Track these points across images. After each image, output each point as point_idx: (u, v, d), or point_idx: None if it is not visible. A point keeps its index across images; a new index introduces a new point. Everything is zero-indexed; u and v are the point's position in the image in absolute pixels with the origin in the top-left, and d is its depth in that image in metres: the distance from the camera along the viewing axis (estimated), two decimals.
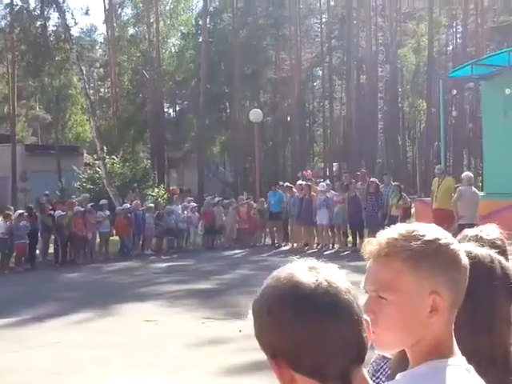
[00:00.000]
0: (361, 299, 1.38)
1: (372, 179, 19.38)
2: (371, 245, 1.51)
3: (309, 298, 1.26)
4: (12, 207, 20.02)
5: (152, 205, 20.75)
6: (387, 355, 1.80)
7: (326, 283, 1.27)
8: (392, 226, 1.53)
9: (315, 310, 1.25)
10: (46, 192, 21.14)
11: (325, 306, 1.25)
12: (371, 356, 1.75)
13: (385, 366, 1.94)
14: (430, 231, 1.49)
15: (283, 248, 20.16)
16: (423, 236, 1.47)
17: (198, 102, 44.88)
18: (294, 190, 20.25)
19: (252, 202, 21.69)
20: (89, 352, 8.44)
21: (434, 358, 1.46)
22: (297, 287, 1.27)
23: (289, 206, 20.06)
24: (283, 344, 1.26)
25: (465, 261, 1.50)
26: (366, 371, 1.33)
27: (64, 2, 28.13)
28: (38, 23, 40.11)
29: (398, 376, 1.51)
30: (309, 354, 1.25)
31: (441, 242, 1.47)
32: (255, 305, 1.32)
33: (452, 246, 1.49)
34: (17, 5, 39.95)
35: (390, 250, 1.47)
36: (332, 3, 55.48)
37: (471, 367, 1.49)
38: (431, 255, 1.45)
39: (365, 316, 1.33)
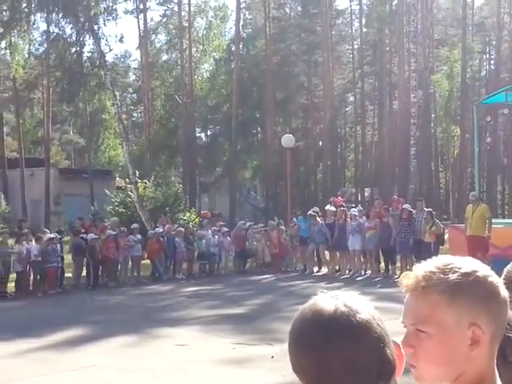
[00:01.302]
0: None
1: (405, 205, 19.24)
2: (408, 278, 1.50)
3: (328, 323, 1.30)
4: (48, 230, 20.20)
5: (182, 229, 20.78)
6: None
7: (343, 307, 1.32)
8: (428, 259, 1.52)
9: (335, 335, 1.29)
10: (80, 216, 21.29)
11: (344, 329, 1.29)
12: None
13: None
14: (468, 263, 1.48)
15: (315, 274, 20.05)
16: (460, 268, 1.45)
17: (229, 127, 45.16)
18: (318, 218, 20.15)
19: (283, 227, 21.61)
20: (121, 376, 8.43)
21: None
22: (317, 314, 1.33)
23: (314, 233, 19.97)
24: (313, 371, 1.29)
25: (504, 293, 1.47)
26: None
27: (99, 29, 28.47)
28: (74, 50, 40.71)
29: None
30: (337, 376, 1.28)
31: (478, 274, 1.45)
32: (289, 337, 1.38)
33: (490, 279, 1.46)
34: (53, 32, 40.60)
35: (426, 283, 1.45)
36: (364, 30, 55.62)
37: None
38: (469, 287, 1.43)
39: (393, 339, 1.35)
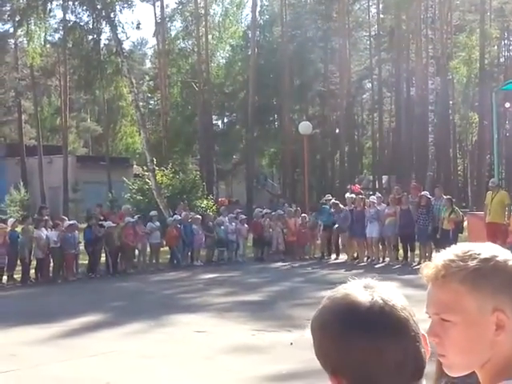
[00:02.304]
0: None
1: (423, 192, 19.17)
2: (428, 268, 1.48)
3: (365, 316, 1.26)
4: (66, 217, 20.33)
5: (199, 216, 20.83)
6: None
7: (381, 301, 1.28)
8: (447, 247, 1.51)
9: (371, 329, 1.25)
10: (99, 203, 21.36)
11: (381, 324, 1.26)
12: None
13: None
14: (487, 249, 1.46)
15: (332, 261, 20.06)
16: (479, 255, 1.44)
17: (246, 114, 45.09)
18: (341, 205, 20.14)
19: (305, 215, 21.59)
20: (140, 362, 8.48)
21: (506, 378, 1.41)
22: (353, 307, 1.28)
23: (338, 220, 19.93)
24: (341, 362, 1.27)
25: None
26: None
27: (116, 16, 28.51)
28: (90, 37, 40.80)
29: None
30: (367, 372, 1.25)
31: (498, 259, 1.44)
32: (313, 324, 1.34)
33: (510, 263, 1.44)
34: (70, 20, 40.69)
35: (446, 271, 1.44)
36: (381, 16, 55.25)
37: None
38: (489, 273, 1.41)
39: (421, 331, 1.32)
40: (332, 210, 20.28)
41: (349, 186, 22.46)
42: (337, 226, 19.99)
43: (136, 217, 19.44)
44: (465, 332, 1.41)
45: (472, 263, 1.42)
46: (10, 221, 18.01)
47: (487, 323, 1.40)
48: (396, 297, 1.32)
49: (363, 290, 1.31)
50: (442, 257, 1.48)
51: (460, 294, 1.41)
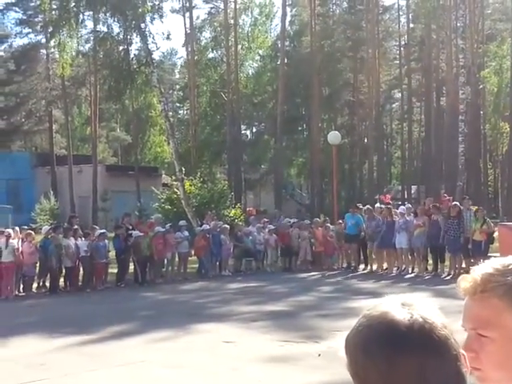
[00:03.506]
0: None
1: (454, 203, 19.00)
2: (466, 281, 1.44)
3: (404, 336, 1.22)
4: (97, 226, 20.47)
5: (227, 226, 20.84)
6: None
7: (421, 320, 1.23)
8: (487, 261, 1.46)
9: (412, 349, 1.21)
10: (127, 211, 21.46)
11: (421, 344, 1.21)
12: None
13: None
14: None
15: (360, 271, 19.94)
16: None
17: (275, 124, 45.16)
18: (374, 213, 20.03)
19: (329, 225, 21.50)
20: (168, 372, 8.48)
21: None
22: (392, 326, 1.23)
23: (369, 229, 19.81)
24: (380, 383, 1.22)
25: None
26: None
27: (146, 27, 28.66)
28: (121, 48, 41.12)
29: None
30: None
31: None
32: (349, 343, 1.29)
33: None
34: (101, 31, 41.08)
35: (485, 286, 1.40)
36: (411, 25, 55.03)
37: None
38: None
39: (461, 350, 1.27)
40: (365, 216, 20.10)
41: (377, 196, 22.28)
42: (364, 234, 19.87)
43: (168, 226, 19.54)
44: (503, 348, 1.38)
45: None
46: (45, 228, 18.13)
47: None
48: (435, 315, 1.27)
49: (401, 307, 1.27)
50: (480, 270, 1.43)
51: (499, 310, 1.38)
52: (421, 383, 1.20)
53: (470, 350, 1.37)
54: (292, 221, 22.54)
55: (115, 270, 18.11)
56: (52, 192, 42.16)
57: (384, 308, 1.28)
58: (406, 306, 1.27)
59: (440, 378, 1.21)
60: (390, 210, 19.62)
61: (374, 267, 19.79)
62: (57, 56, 38.63)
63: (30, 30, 53.07)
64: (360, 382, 1.27)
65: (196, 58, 49.24)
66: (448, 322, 1.28)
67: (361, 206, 21.19)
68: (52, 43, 38.95)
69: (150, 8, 27.86)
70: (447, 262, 18.39)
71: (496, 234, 18.56)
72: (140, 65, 35.53)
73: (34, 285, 16.79)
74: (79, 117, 61.26)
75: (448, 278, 17.36)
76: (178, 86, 65.81)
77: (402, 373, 1.20)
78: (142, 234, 18.21)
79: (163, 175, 47.48)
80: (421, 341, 1.21)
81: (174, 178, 27.53)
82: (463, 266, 17.25)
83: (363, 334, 1.26)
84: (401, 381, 1.21)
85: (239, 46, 47.84)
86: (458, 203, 19.01)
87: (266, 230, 21.00)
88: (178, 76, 70.22)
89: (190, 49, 48.85)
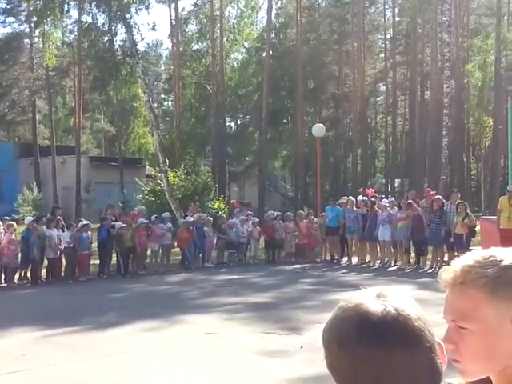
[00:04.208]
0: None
1: (437, 196, 19.09)
2: (447, 273, 1.44)
3: (377, 327, 1.21)
4: (81, 218, 20.39)
5: (210, 218, 20.83)
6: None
7: (394, 311, 1.23)
8: (468, 253, 1.46)
9: (385, 340, 1.20)
10: (111, 203, 21.35)
11: (394, 335, 1.21)
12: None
13: None
14: (508, 256, 1.41)
15: (343, 264, 20.00)
16: (500, 261, 1.40)
17: (259, 117, 45.11)
18: (355, 207, 20.05)
19: (313, 217, 21.55)
20: (151, 363, 8.47)
21: None
22: (365, 317, 1.23)
23: (348, 221, 19.88)
24: (355, 375, 1.22)
25: None
26: None
27: (131, 18, 28.47)
28: (106, 38, 40.89)
29: None
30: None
31: None
32: (324, 336, 1.29)
33: None
34: (86, 22, 40.81)
35: (465, 277, 1.40)
36: (397, 19, 55.11)
37: None
38: (509, 281, 1.37)
39: (438, 340, 1.27)
40: (347, 208, 20.13)
41: (361, 189, 22.32)
42: (340, 226, 19.96)
43: (153, 217, 19.53)
44: (482, 340, 1.38)
45: (492, 270, 1.38)
46: (27, 219, 18.01)
47: (505, 332, 1.37)
48: (410, 306, 1.26)
49: (375, 299, 1.26)
50: (461, 262, 1.44)
51: (478, 302, 1.38)
52: (393, 374, 1.20)
53: (449, 342, 1.38)
54: (276, 213, 22.54)
55: (97, 262, 18.07)
56: (35, 183, 41.92)
57: (358, 300, 1.27)
58: (381, 297, 1.27)
59: (412, 369, 1.21)
60: (374, 202, 19.67)
61: (356, 260, 19.86)
62: (41, 46, 38.44)
63: (14, 20, 52.73)
64: (334, 373, 1.27)
65: (181, 49, 49.03)
66: (423, 313, 1.28)
67: (344, 199, 21.24)
68: (36, 33, 38.67)
69: None
70: (430, 256, 18.49)
71: (478, 228, 18.69)
72: (125, 56, 35.33)
73: (16, 276, 16.70)
74: (63, 107, 60.87)
75: (430, 271, 17.47)
76: (162, 78, 65.55)
77: (375, 364, 1.20)
78: (124, 225, 18.17)
79: (147, 167, 47.33)
80: (394, 332, 1.21)
81: (157, 169, 27.41)
82: (445, 259, 17.35)
83: (337, 325, 1.26)
84: (373, 372, 1.20)
85: (225, 38, 47.67)
86: (440, 197, 19.11)
87: (250, 222, 21.01)
88: (163, 67, 69.95)
89: (175, 40, 48.60)
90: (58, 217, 17.87)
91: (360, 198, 21.26)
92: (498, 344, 1.37)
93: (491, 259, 1.40)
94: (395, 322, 1.22)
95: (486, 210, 40.77)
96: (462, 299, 1.40)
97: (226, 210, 27.04)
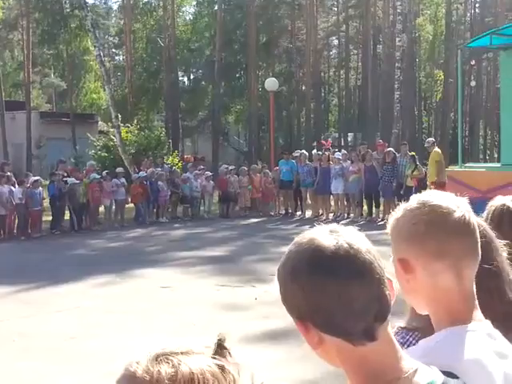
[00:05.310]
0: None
1: (389, 149, 19.29)
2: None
3: (330, 260, 1.26)
4: (31, 173, 20.10)
5: (163, 172, 20.71)
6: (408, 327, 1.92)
7: (346, 245, 1.27)
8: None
9: (336, 272, 1.25)
10: (62, 158, 21.05)
11: (346, 267, 1.26)
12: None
13: (411, 339, 1.91)
14: (421, 199, 1.54)
15: (297, 217, 20.19)
16: (405, 209, 1.56)
17: (212, 71, 44.69)
18: (307, 161, 20.18)
19: (267, 171, 21.61)
20: (105, 317, 8.52)
21: (450, 325, 1.47)
22: (318, 251, 1.27)
23: (302, 175, 20.00)
24: (308, 307, 1.28)
25: (452, 222, 1.50)
26: (390, 327, 1.33)
27: None
28: None
29: (420, 342, 1.55)
30: (333, 315, 1.26)
31: (408, 209, 1.54)
32: (279, 270, 1.34)
33: (423, 211, 1.51)
34: None
35: (391, 224, 1.58)
36: None
37: (496, 332, 1.47)
38: (397, 225, 1.54)
39: (388, 275, 1.33)
40: (298, 163, 20.23)
41: (315, 143, 22.45)
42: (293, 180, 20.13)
43: (104, 173, 19.35)
44: (399, 277, 1.51)
45: (397, 216, 1.54)
46: None
47: (399, 271, 1.51)
48: (361, 240, 1.31)
49: (328, 234, 1.30)
50: (396, 210, 1.59)
51: (392, 243, 1.56)
52: (344, 305, 1.25)
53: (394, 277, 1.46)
54: (230, 167, 22.53)
55: (50, 218, 17.91)
56: None
57: (311, 235, 1.32)
58: (334, 232, 1.31)
59: (363, 300, 1.26)
60: (329, 155, 19.79)
61: (310, 213, 20.05)
62: None
63: None
64: (288, 306, 1.32)
65: (132, 2, 48.09)
66: (374, 247, 1.33)
67: (297, 153, 21.32)
68: None
69: None
70: (382, 208, 18.77)
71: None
72: (73, 8, 34.52)
73: None
74: (11, 61, 59.34)
75: (382, 223, 17.73)
76: (113, 31, 64.27)
77: (326, 295, 1.25)
78: (77, 181, 18.01)
79: (99, 122, 46.64)
80: (345, 264, 1.26)
81: (110, 124, 27.09)
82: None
83: (291, 259, 1.31)
84: (324, 303, 1.25)
85: None
86: (392, 149, 19.33)
87: (204, 176, 20.99)
88: (113, 21, 68.52)
89: None
90: (8, 173, 17.58)
91: (314, 151, 21.37)
92: (401, 283, 1.51)
93: (405, 206, 1.55)
94: (347, 254, 1.26)
95: None
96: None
97: (179, 164, 26.91)
